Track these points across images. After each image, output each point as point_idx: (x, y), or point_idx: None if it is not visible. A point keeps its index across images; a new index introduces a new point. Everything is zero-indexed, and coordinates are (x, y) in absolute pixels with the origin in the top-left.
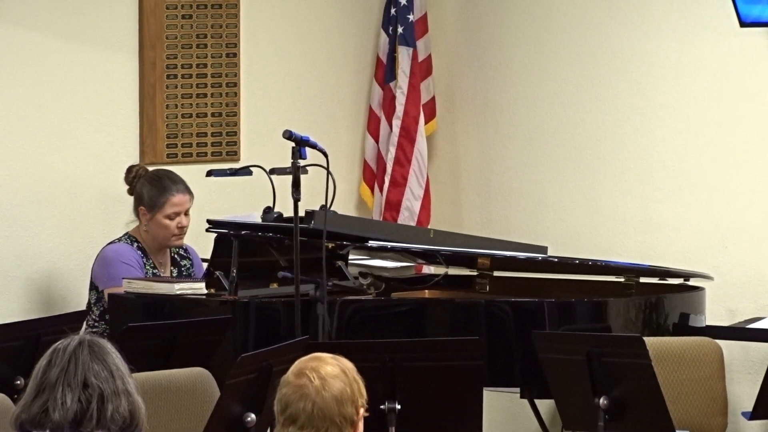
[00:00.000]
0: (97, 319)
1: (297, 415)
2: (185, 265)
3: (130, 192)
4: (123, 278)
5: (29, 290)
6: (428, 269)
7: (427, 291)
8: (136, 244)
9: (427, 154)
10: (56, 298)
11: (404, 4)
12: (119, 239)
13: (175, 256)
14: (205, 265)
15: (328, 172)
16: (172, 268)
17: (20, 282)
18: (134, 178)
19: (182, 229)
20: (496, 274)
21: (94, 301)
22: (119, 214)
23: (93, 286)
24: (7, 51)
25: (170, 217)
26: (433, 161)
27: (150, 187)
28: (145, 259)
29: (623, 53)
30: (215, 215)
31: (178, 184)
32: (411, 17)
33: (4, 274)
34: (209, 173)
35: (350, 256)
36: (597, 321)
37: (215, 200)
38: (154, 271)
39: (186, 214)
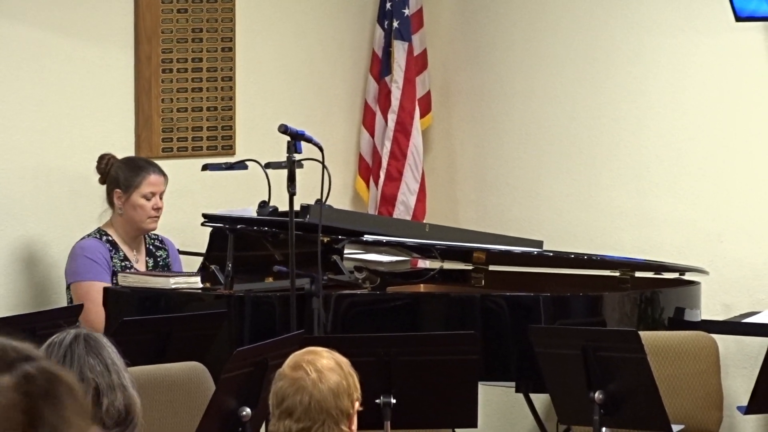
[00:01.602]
0: None
1: (293, 408)
2: (161, 255)
3: (102, 180)
4: (119, 273)
5: (26, 284)
6: (423, 263)
7: (422, 285)
8: (105, 238)
9: (423, 149)
10: (54, 292)
11: None
12: (89, 235)
13: (150, 246)
14: (183, 258)
15: (324, 167)
16: (147, 258)
17: (16, 276)
18: (106, 165)
19: (158, 211)
20: (491, 268)
21: (69, 300)
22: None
23: (68, 285)
24: (3, 46)
25: (147, 197)
26: (428, 155)
27: (125, 168)
28: (114, 252)
29: (620, 48)
30: (210, 209)
31: (153, 165)
32: (406, 11)
33: (1, 268)
34: (205, 167)
35: (345, 251)
36: (592, 315)
37: (210, 194)
38: (124, 263)
39: (161, 197)
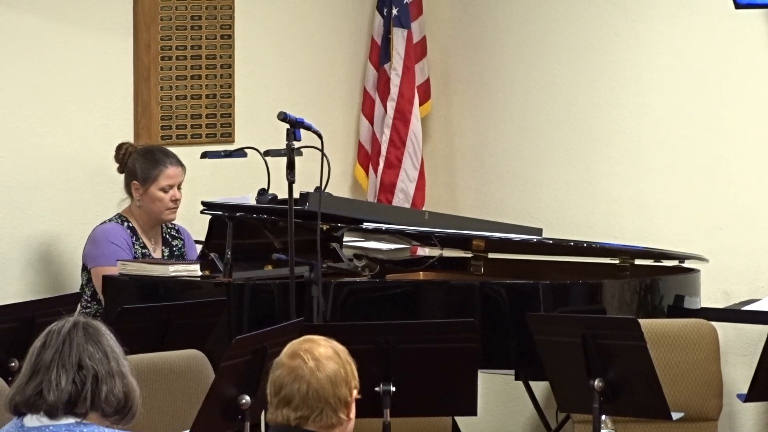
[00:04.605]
0: (89, 299)
1: (291, 397)
2: (177, 245)
3: (121, 170)
4: (118, 260)
5: (24, 272)
6: (423, 251)
7: (421, 273)
8: (126, 224)
9: (422, 136)
10: (52, 280)
11: None
12: (110, 219)
13: (167, 236)
14: (198, 246)
15: (323, 154)
16: (163, 247)
17: (15, 264)
18: (124, 155)
19: (176, 203)
20: (491, 256)
21: (85, 282)
22: (114, 195)
23: (84, 267)
24: (2, 33)
25: (164, 190)
26: (427, 143)
27: (143, 161)
28: (134, 239)
29: (618, 35)
30: (210, 197)
31: (171, 157)
32: None
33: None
34: (204, 155)
35: (345, 238)
36: (592, 303)
37: (210, 182)
38: (144, 251)
39: (179, 188)
